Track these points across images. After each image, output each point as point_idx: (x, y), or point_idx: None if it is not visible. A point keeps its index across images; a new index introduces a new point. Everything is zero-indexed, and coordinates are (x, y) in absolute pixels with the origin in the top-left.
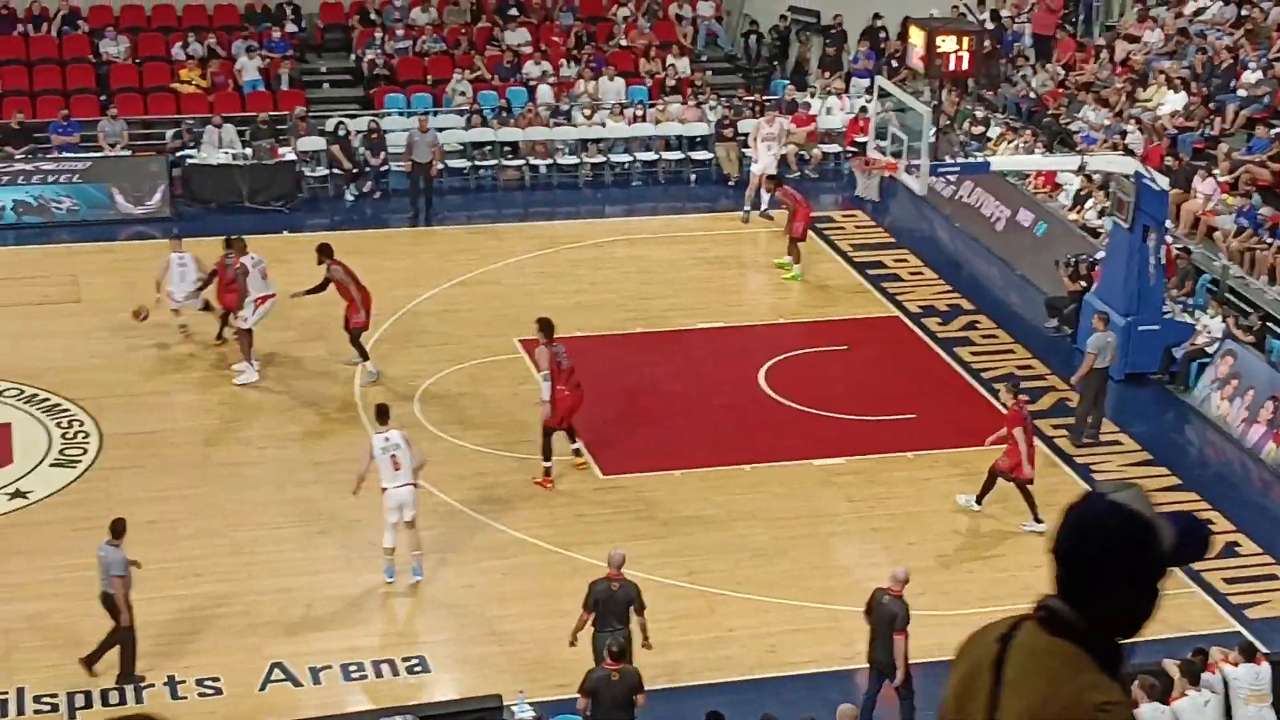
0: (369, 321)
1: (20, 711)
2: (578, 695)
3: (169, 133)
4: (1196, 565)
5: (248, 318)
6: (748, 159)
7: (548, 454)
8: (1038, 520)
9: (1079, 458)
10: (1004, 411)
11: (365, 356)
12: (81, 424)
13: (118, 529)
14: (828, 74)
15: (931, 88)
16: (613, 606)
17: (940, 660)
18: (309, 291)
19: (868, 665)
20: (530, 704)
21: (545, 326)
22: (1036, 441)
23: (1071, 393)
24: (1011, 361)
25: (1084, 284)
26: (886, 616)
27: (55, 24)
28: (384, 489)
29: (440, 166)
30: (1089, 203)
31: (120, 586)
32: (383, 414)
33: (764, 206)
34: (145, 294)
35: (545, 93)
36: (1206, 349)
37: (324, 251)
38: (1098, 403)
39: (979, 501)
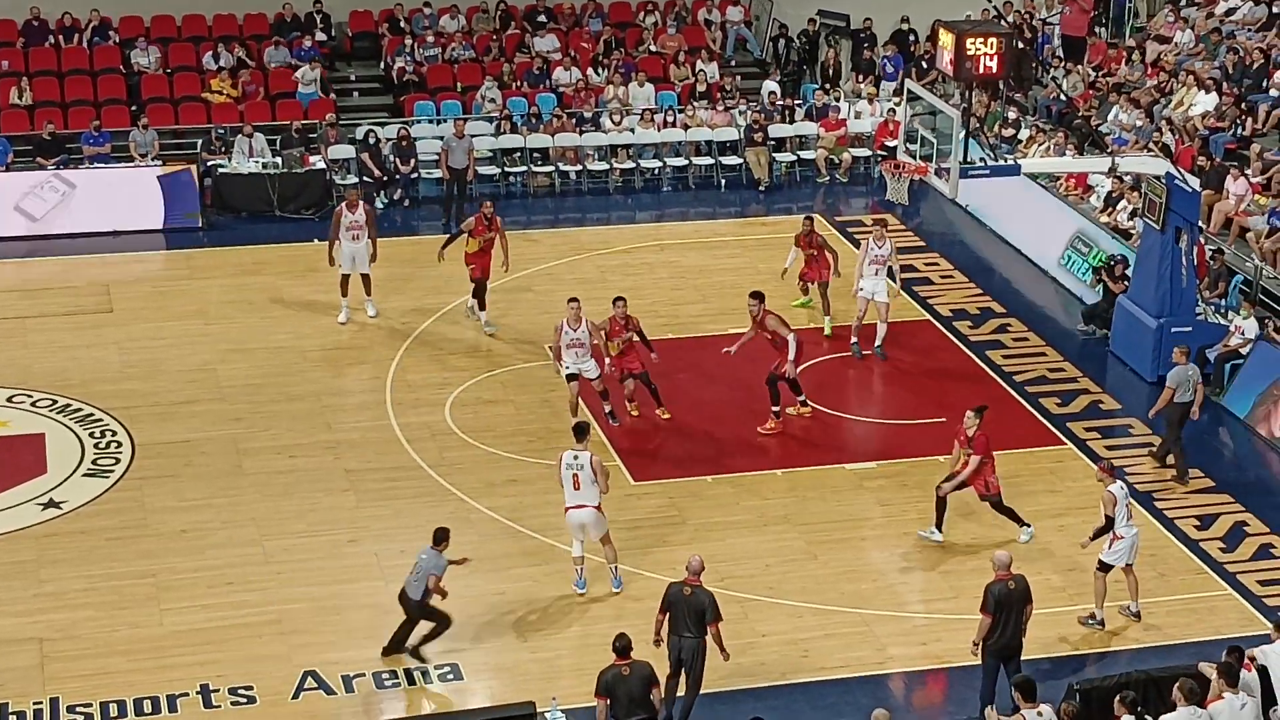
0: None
1: None
2: (595, 699)
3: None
4: (1231, 568)
5: None
6: (778, 164)
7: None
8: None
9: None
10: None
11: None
12: (114, 433)
13: (440, 536)
14: (858, 78)
15: (961, 90)
16: (685, 611)
17: (974, 665)
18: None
19: (983, 657)
20: (563, 711)
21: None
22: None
23: (1104, 395)
24: (1043, 364)
25: (1126, 284)
26: (1020, 598)
27: (86, 35)
28: (566, 508)
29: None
30: (1121, 204)
31: (435, 584)
32: (579, 431)
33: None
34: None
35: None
36: (1240, 350)
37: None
38: (1177, 437)
39: (1023, 529)
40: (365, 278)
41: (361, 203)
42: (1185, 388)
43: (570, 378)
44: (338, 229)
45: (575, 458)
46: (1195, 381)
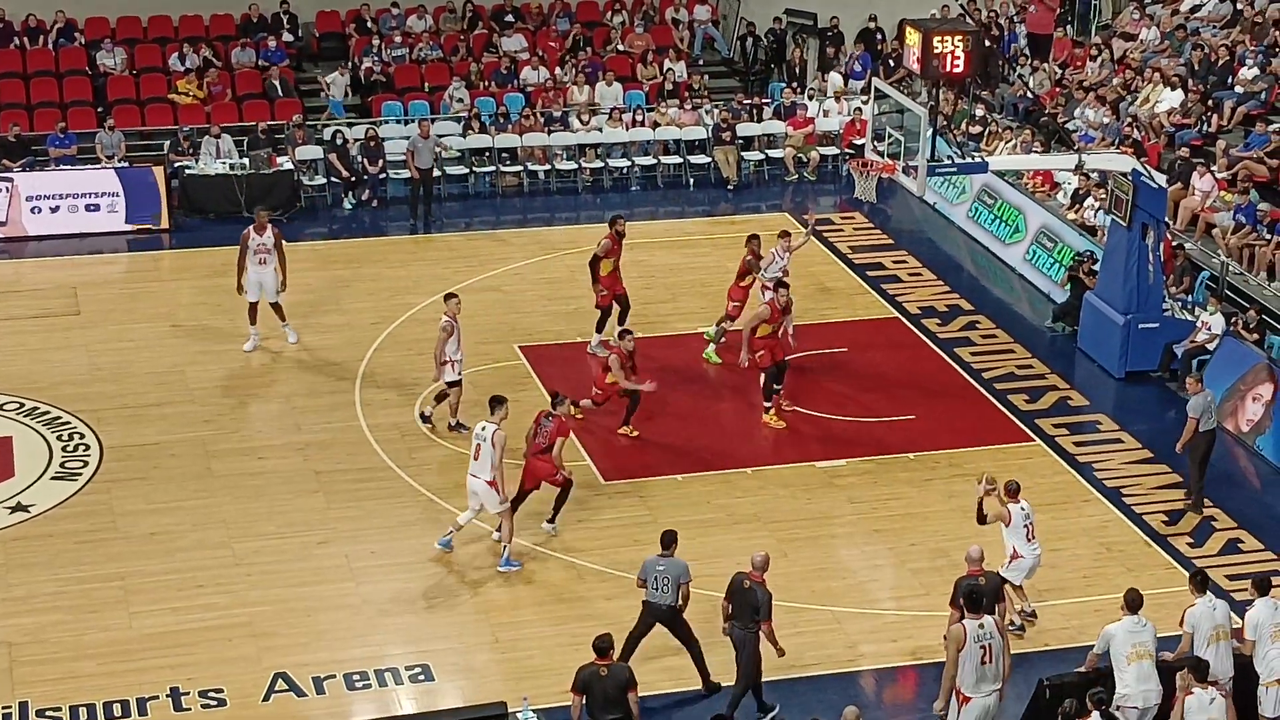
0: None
1: None
2: (570, 694)
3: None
4: (1200, 563)
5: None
6: (746, 163)
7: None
8: (552, 521)
9: (1081, 457)
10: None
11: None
12: (82, 436)
13: (668, 540)
14: (824, 76)
15: (928, 89)
16: (742, 604)
17: (940, 661)
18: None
19: None
20: (534, 710)
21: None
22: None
23: (1072, 391)
24: (1012, 361)
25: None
26: (991, 593)
27: (51, 36)
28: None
29: (439, 173)
30: (1088, 201)
31: (688, 591)
32: (492, 403)
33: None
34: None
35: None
36: (1207, 345)
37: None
38: (1202, 465)
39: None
40: (276, 306)
41: (270, 225)
42: (1208, 415)
43: (455, 383)
44: (244, 254)
45: (483, 429)
46: (1214, 407)
